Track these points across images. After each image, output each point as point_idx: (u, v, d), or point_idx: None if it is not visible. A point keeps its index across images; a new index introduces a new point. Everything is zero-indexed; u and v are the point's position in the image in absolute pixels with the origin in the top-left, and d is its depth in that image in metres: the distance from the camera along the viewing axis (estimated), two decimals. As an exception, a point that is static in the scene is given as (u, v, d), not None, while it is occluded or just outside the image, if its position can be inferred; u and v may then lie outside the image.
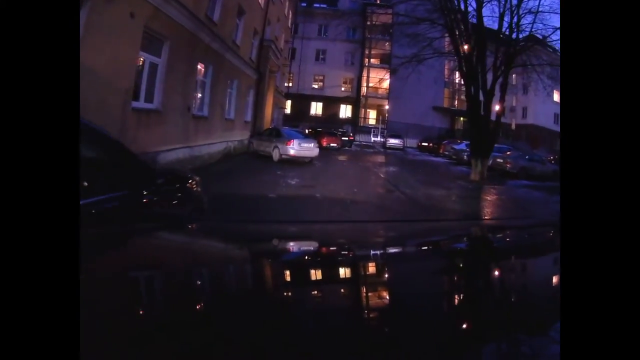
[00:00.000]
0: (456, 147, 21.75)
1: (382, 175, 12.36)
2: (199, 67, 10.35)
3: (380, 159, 19.62)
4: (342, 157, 17.90)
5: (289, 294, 0.83)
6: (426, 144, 28.45)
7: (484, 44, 12.76)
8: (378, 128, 34.92)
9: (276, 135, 13.84)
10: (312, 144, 13.49)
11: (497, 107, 13.32)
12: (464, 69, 12.62)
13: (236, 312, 0.64)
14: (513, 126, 36.17)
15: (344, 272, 1.03)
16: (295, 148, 12.79)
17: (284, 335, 0.58)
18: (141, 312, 0.67)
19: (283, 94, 28.08)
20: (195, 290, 0.81)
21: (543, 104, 27.68)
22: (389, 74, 26.75)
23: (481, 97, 12.58)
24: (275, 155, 13.15)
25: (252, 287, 0.85)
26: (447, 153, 23.22)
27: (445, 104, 36.93)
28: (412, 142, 30.21)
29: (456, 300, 0.85)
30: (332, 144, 21.66)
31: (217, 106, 11.90)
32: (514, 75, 13.05)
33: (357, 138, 29.88)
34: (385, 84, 35.08)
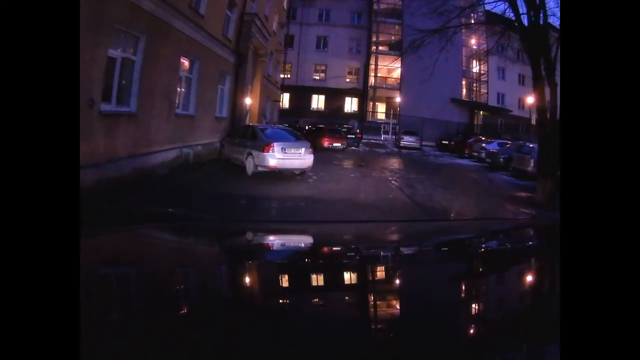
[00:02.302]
0: (488, 147, 17.67)
1: (406, 197, 8.36)
2: (115, 37, 6.37)
3: (397, 163, 15.49)
4: (347, 163, 13.85)
5: (292, 294, 0.83)
6: (447, 143, 24.16)
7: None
8: (389, 123, 30.52)
9: (251, 136, 9.55)
10: (303, 149, 9.27)
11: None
12: (528, 41, 8.51)
13: (236, 313, 0.65)
14: (533, 121, 31.78)
15: (348, 273, 1.03)
16: (277, 156, 8.68)
17: (286, 337, 0.58)
18: (140, 312, 0.66)
19: (278, 84, 24.16)
20: (195, 290, 0.80)
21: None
22: (400, 59, 22.12)
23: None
24: (249, 166, 9.09)
25: (253, 288, 0.86)
26: (475, 154, 19.17)
27: (464, 96, 32.65)
28: (428, 140, 25.91)
29: (459, 304, 0.83)
30: (335, 144, 17.60)
31: (158, 97, 7.94)
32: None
33: (364, 135, 25.66)
34: (396, 73, 30.92)
